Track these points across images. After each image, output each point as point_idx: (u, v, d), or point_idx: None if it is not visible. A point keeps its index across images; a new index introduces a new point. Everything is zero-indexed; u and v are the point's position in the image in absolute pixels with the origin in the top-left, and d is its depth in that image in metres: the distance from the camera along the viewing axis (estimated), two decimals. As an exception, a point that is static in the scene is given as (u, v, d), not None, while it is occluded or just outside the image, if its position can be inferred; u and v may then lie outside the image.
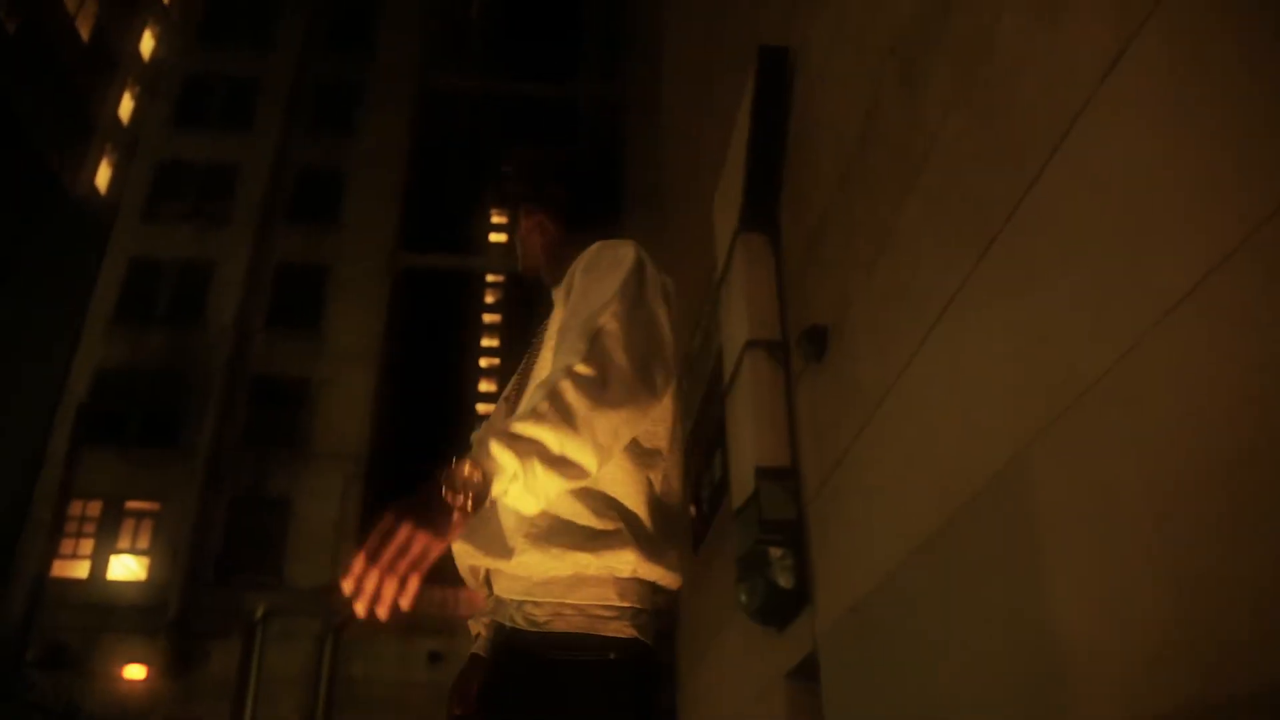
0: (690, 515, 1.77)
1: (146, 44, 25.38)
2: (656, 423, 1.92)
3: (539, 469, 1.53)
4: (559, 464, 1.55)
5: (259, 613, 15.63)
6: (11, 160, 20.69)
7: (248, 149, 23.54)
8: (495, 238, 27.64)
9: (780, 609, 6.47)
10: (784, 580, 6.22)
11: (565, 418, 1.54)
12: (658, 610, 1.88)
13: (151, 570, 19.02)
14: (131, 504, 19.78)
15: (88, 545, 19.37)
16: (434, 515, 1.54)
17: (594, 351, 1.62)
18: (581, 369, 1.59)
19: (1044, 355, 3.64)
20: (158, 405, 20.48)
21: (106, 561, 19.21)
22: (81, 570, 19.09)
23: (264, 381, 20.79)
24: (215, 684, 16.73)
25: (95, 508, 19.64)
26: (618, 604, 1.79)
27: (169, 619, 17.85)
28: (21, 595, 16.55)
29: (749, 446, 6.67)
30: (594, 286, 1.84)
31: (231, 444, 20.03)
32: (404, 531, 1.55)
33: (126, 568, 19.23)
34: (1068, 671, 3.47)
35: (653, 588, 1.87)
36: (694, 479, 10.61)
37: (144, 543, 19.38)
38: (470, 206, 25.90)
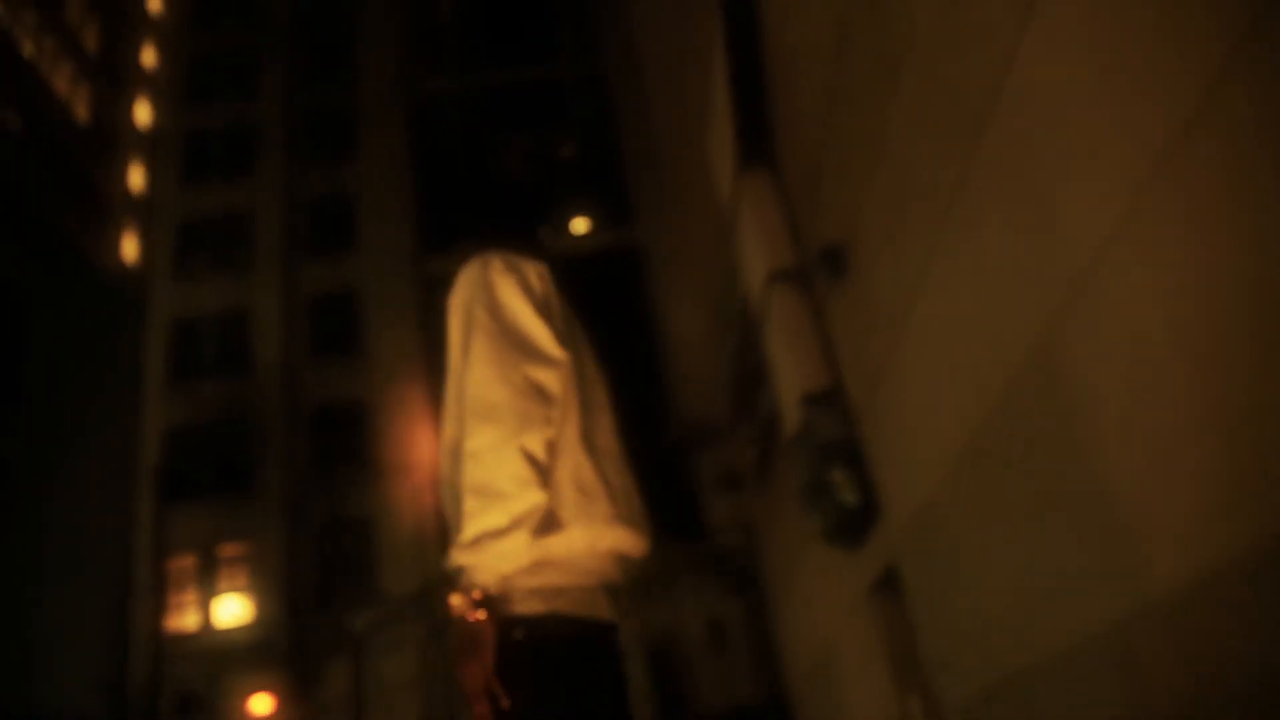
0: (617, 473, 1.80)
1: (141, 113, 25.76)
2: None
3: (507, 543, 1.75)
4: (517, 524, 1.75)
5: (358, 627, 16.11)
6: (42, 248, 21.22)
7: (257, 193, 23.91)
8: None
9: (851, 527, 6.55)
10: (850, 498, 6.30)
11: (489, 499, 1.74)
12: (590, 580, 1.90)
13: (256, 608, 19.67)
14: (223, 550, 20.43)
15: (191, 597, 20.08)
16: (474, 650, 1.76)
17: (475, 423, 1.78)
18: (473, 444, 1.77)
19: (1053, 226, 3.65)
20: (227, 453, 21.06)
21: (211, 609, 19.91)
22: (192, 621, 19.80)
23: (320, 410, 21.28)
24: (337, 701, 17.33)
25: (190, 562, 20.31)
26: (526, 584, 1.87)
27: (281, 650, 18.49)
28: (142, 655, 17.22)
29: (791, 376, 6.73)
30: (455, 343, 2.00)
31: (303, 475, 20.57)
32: (470, 678, 1.76)
33: (232, 611, 19.90)
34: (1131, 534, 3.51)
35: (568, 562, 1.90)
36: (747, 420, 10.68)
37: (242, 583, 20.04)
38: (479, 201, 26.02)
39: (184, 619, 19.87)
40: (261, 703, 18.27)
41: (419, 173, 24.56)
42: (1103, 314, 3.47)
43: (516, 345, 1.92)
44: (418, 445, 20.33)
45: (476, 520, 1.76)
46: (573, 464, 1.93)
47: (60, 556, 20.32)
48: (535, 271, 2.11)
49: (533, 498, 1.79)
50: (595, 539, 1.91)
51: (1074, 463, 3.85)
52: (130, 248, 25.44)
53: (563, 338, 1.99)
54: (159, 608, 17.39)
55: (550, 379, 1.90)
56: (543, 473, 1.81)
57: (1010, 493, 4.43)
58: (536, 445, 1.82)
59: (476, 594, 1.80)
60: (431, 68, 26.21)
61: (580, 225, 26.04)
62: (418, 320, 21.98)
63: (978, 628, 5.02)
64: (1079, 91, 3.33)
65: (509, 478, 1.77)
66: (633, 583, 2.03)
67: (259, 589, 19.90)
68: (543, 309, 2.02)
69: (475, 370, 1.88)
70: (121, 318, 22.97)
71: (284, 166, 24.41)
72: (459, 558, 1.79)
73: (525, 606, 1.85)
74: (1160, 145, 2.91)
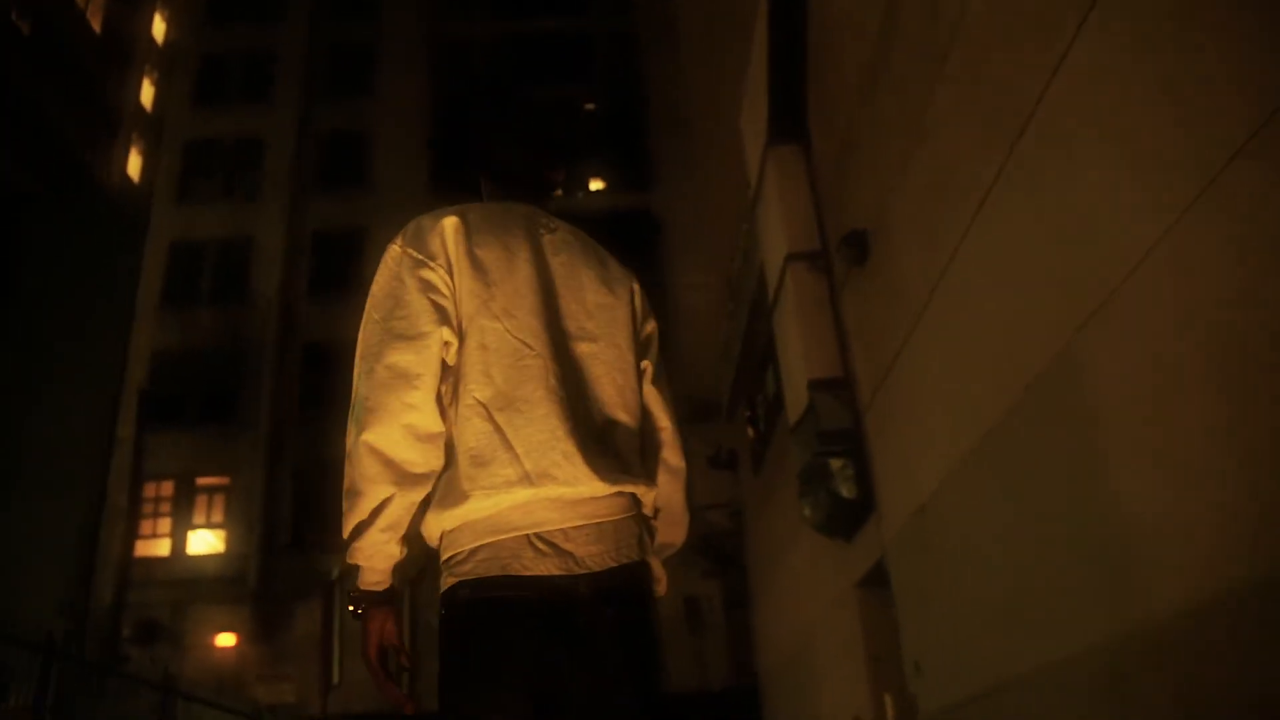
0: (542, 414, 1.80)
1: (158, 28, 25.40)
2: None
3: (366, 540, 1.85)
4: (371, 522, 1.83)
5: (335, 573, 16.05)
6: (45, 159, 20.96)
7: (270, 122, 23.61)
8: (525, 181, 27.61)
9: (845, 519, 6.48)
10: (847, 490, 6.22)
11: (350, 499, 1.84)
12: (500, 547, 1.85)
13: (229, 542, 19.61)
14: (202, 480, 20.33)
15: (165, 524, 20.01)
16: (363, 640, 1.96)
17: (348, 424, 1.89)
18: (346, 446, 1.89)
19: (1090, 234, 3.55)
20: (215, 383, 20.91)
21: (185, 538, 19.84)
22: (163, 549, 19.75)
23: (314, 348, 21.08)
24: (303, 644, 17.31)
25: (168, 488, 20.22)
26: (444, 556, 1.91)
27: (251, 587, 18.45)
28: (110, 578, 17.18)
29: (800, 361, 6.64)
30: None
31: (290, 412, 20.44)
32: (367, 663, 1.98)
33: (205, 542, 19.84)
34: (1137, 552, 3.43)
35: (473, 525, 1.86)
36: (748, 400, 10.61)
37: (218, 516, 19.97)
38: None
39: (155, 546, 19.82)
40: (225, 637, 18.27)
41: (437, 117, 24.25)
42: (1131, 330, 3.38)
43: (386, 331, 1.90)
44: (408, 394, 20.23)
45: (345, 522, 1.85)
46: (471, 432, 1.87)
47: (36, 471, 20.24)
48: (450, 220, 2.00)
49: (381, 494, 1.81)
50: (497, 505, 1.84)
51: (1084, 477, 3.77)
52: (135, 165, 25.18)
53: (449, 293, 1.93)
54: (131, 532, 17.31)
55: (412, 359, 1.85)
56: (395, 464, 1.82)
57: (1014, 500, 4.35)
58: (387, 439, 1.82)
59: (353, 591, 1.92)
60: (459, 11, 25.91)
61: (596, 183, 25.83)
62: (421, 268, 21.80)
63: (964, 633, 4.96)
64: (1132, 101, 3.22)
65: (361, 477, 1.82)
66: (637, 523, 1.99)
67: (234, 523, 19.85)
68: (449, 263, 1.95)
69: (354, 368, 1.93)
70: (120, 236, 22.75)
71: (300, 97, 24.12)
72: (345, 559, 1.89)
73: (449, 577, 1.88)
74: (1210, 167, 2.81)
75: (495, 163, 2.32)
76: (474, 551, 1.84)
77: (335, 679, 14.87)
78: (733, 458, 12.45)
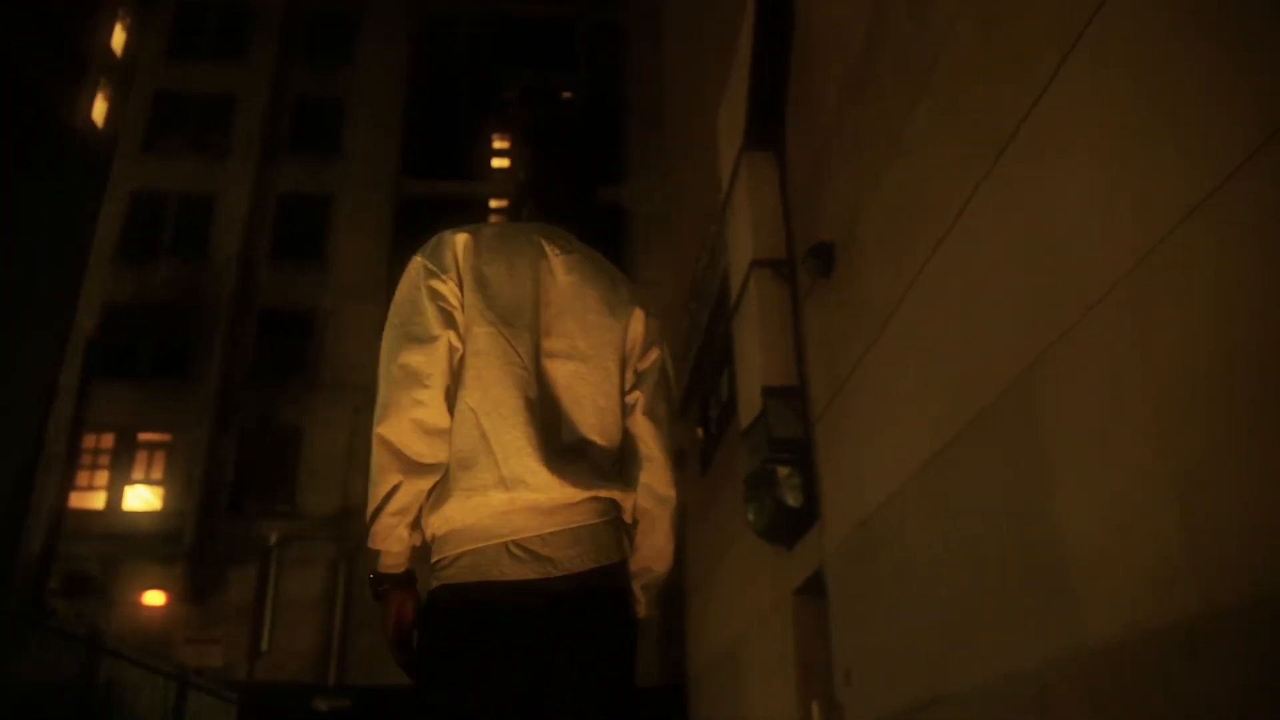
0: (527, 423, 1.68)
1: (136, -29, 24.87)
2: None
3: (379, 525, 1.97)
4: (383, 507, 1.95)
5: (273, 539, 15.88)
6: (5, 96, 20.43)
7: (244, 79, 23.19)
8: (497, 163, 27.33)
9: (788, 527, 6.53)
10: (792, 498, 6.26)
11: (370, 488, 1.96)
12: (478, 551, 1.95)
13: (166, 500, 19.26)
14: (144, 436, 19.93)
15: (103, 477, 19.60)
16: (383, 618, 2.05)
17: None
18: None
19: (1054, 266, 3.59)
20: (166, 338, 20.50)
21: (122, 492, 19.46)
22: (98, 501, 19.35)
23: (270, 313, 20.76)
24: (233, 608, 17.07)
25: (108, 440, 19.81)
26: (432, 559, 2.02)
27: (186, 547, 18.13)
28: (41, 527, 16.81)
29: (756, 367, 6.67)
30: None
31: (240, 375, 20.10)
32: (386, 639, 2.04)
33: (142, 498, 19.47)
34: (1073, 580, 3.49)
35: (457, 534, 1.97)
36: (701, 400, 10.63)
37: (158, 473, 19.60)
38: (471, 132, 25.58)
39: (90, 499, 19.40)
40: (155, 596, 17.94)
41: (413, 91, 24.06)
42: (1086, 364, 3.43)
43: (403, 335, 2.04)
44: (365, 366, 19.93)
45: (367, 509, 1.99)
46: (461, 435, 2.00)
47: (-26, 412, 19.75)
48: (464, 239, 2.14)
49: (390, 481, 1.94)
50: (476, 510, 1.94)
51: (1027, 503, 3.82)
52: (100, 111, 24.62)
53: (455, 303, 2.07)
54: (67, 483, 16.92)
55: (422, 360, 1.99)
56: (403, 455, 1.96)
57: (958, 520, 4.40)
58: (397, 431, 1.96)
59: (372, 574, 2.02)
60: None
61: (565, 174, 25.71)
62: (388, 240, 21.57)
63: (898, 646, 5.01)
64: (1110, 134, 3.26)
65: (375, 466, 1.96)
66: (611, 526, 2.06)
67: (174, 481, 19.49)
68: (447, 278, 2.09)
69: (384, 379, 2.04)
70: (80, 180, 22.24)
71: (277, 57, 23.70)
72: (367, 544, 2.03)
73: (434, 580, 1.98)
74: (1175, 214, 2.86)
75: (534, 189, 2.41)
76: (457, 558, 1.94)
77: (264, 645, 14.71)
78: (680, 457, 12.47)
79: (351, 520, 18.41)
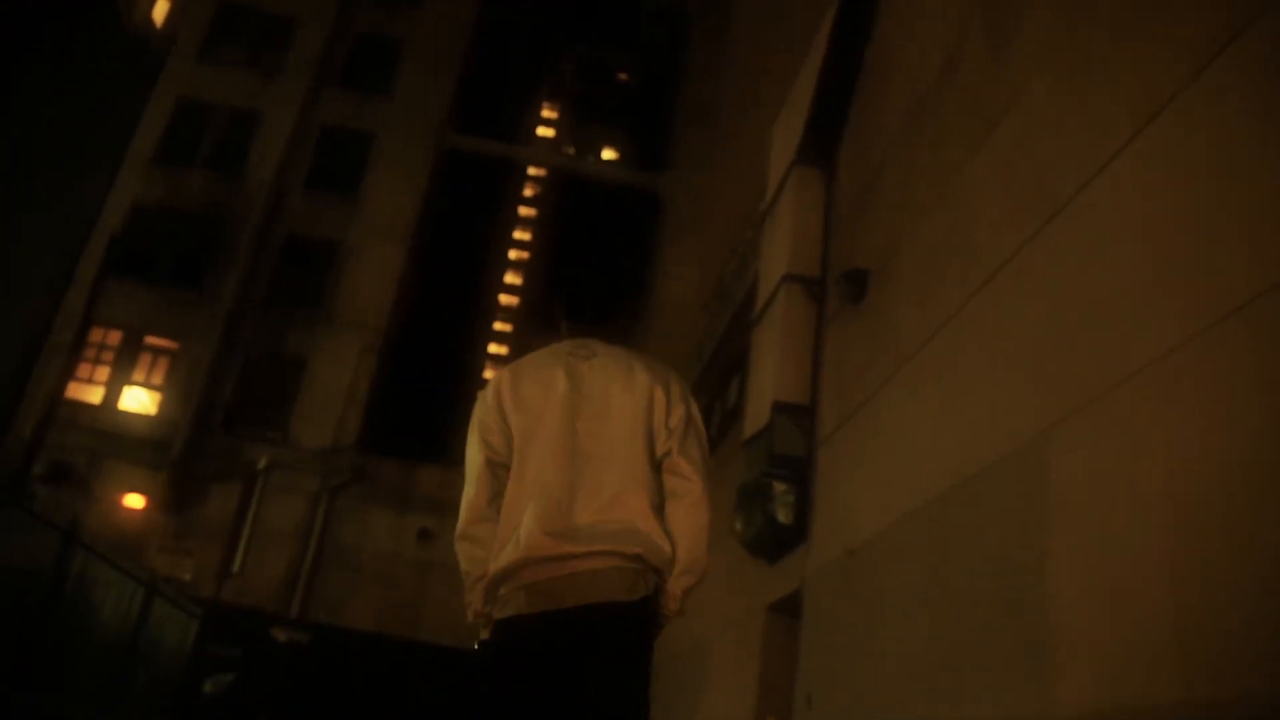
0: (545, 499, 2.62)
1: (220, -122, 24.81)
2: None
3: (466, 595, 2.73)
4: (465, 581, 2.72)
5: (262, 463, 15.89)
6: (72, -20, 20.43)
7: (310, 3, 23.13)
8: (543, 131, 27.21)
9: (774, 542, 6.54)
10: (783, 515, 6.28)
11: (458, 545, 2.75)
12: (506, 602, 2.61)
13: (162, 407, 19.27)
14: (151, 339, 19.92)
15: (104, 373, 19.59)
16: None
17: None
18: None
19: (1088, 336, 3.59)
20: (188, 247, 20.48)
21: (120, 391, 19.45)
22: (95, 396, 19.36)
23: (295, 241, 20.70)
24: (209, 525, 17.09)
25: (115, 337, 19.81)
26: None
27: (173, 456, 18.16)
28: (35, 411, 16.87)
29: (770, 379, 6.67)
30: None
31: (255, 297, 20.08)
32: None
33: (138, 400, 19.49)
34: (1051, 654, 3.49)
35: (498, 583, 2.62)
36: (705, 403, 10.64)
37: (158, 379, 19.60)
38: (523, 95, 25.50)
39: (88, 392, 19.41)
40: (134, 499, 18.00)
41: (472, 46, 23.97)
42: (1103, 440, 3.42)
43: (469, 459, 2.81)
44: (377, 308, 20.01)
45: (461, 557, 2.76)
46: (505, 511, 2.69)
47: (-13, 285, 19.80)
48: (503, 377, 2.86)
49: (462, 567, 2.74)
50: (503, 566, 2.60)
51: (1022, 562, 3.83)
52: (162, 10, 24.60)
53: (499, 429, 2.77)
54: (68, 372, 16.96)
55: (471, 494, 2.76)
56: (468, 552, 2.73)
57: (947, 569, 4.41)
58: (464, 531, 2.74)
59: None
60: (522, -54, 25.60)
61: (609, 152, 25.59)
62: (423, 189, 21.52)
63: (865, 680, 5.03)
64: (1169, 218, 3.25)
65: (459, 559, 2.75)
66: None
67: (172, 390, 19.50)
68: (490, 414, 2.79)
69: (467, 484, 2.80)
70: (129, 77, 22.21)
71: (345, -13, 23.71)
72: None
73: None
74: (1221, 309, 2.86)
75: (564, 311, 3.04)
76: (493, 601, 2.64)
77: (236, 567, 14.75)
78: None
79: (338, 458, 18.45)
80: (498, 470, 2.74)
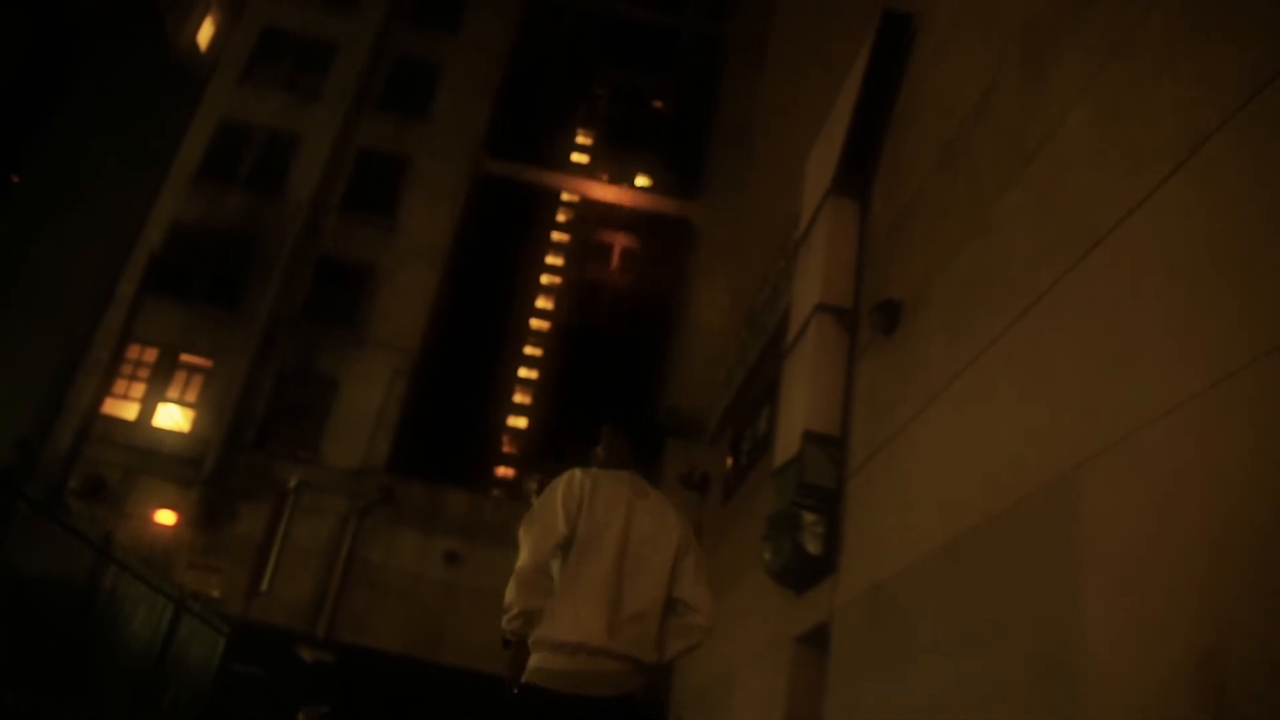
0: (603, 582, 3.52)
1: (266, -93, 25.35)
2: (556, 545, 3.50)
3: (503, 621, 3.42)
4: (508, 612, 3.39)
5: (292, 483, 16.01)
6: (123, 5, 20.90)
7: (350, 28, 23.48)
8: (577, 157, 27.40)
9: (802, 572, 6.49)
10: (812, 545, 6.23)
11: (508, 596, 3.41)
12: (559, 658, 3.33)
13: (195, 424, 19.46)
14: (186, 357, 20.16)
15: (139, 389, 19.84)
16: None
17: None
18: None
19: (1127, 371, 3.54)
20: (225, 266, 20.75)
21: (154, 408, 19.68)
22: (130, 412, 19.60)
23: (330, 261, 20.92)
24: (239, 542, 17.23)
25: (152, 354, 20.07)
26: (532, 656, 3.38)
27: (205, 474, 18.33)
28: (72, 425, 17.13)
29: (801, 409, 6.64)
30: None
31: (289, 316, 20.28)
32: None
33: (172, 417, 19.70)
34: (1085, 693, 3.43)
35: (552, 643, 3.33)
36: (735, 430, 10.60)
37: (192, 396, 19.81)
38: (558, 121, 25.73)
39: (123, 408, 19.65)
40: (166, 515, 18.17)
41: (509, 72, 24.22)
42: (1137, 476, 3.37)
43: (542, 514, 3.53)
44: (410, 330, 20.13)
45: (507, 605, 3.42)
46: (559, 591, 3.42)
47: (29, 300, 20.14)
48: (589, 478, 3.61)
49: (509, 600, 3.39)
50: (548, 638, 3.33)
51: (1052, 604, 3.76)
52: (206, 34, 25.09)
53: (575, 514, 3.51)
54: (104, 388, 17.23)
55: (543, 536, 3.48)
56: (521, 590, 3.39)
57: (978, 605, 4.35)
58: (523, 575, 3.42)
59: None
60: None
61: (642, 179, 25.73)
62: (458, 213, 21.69)
63: (894, 718, 4.96)
64: (1210, 249, 3.22)
65: (510, 589, 3.42)
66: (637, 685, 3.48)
67: (206, 407, 19.70)
68: (574, 499, 3.53)
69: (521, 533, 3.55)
70: (174, 98, 22.64)
71: (384, 13, 23.97)
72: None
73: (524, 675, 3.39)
74: (1263, 339, 2.82)
75: (624, 445, 3.93)
76: (539, 652, 3.35)
77: (264, 586, 14.82)
78: (704, 481, 12.44)
79: (368, 479, 18.54)
80: (560, 541, 3.47)
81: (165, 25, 23.33)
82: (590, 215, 26.23)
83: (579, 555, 3.43)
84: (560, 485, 3.56)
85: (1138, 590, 3.25)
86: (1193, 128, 3.37)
